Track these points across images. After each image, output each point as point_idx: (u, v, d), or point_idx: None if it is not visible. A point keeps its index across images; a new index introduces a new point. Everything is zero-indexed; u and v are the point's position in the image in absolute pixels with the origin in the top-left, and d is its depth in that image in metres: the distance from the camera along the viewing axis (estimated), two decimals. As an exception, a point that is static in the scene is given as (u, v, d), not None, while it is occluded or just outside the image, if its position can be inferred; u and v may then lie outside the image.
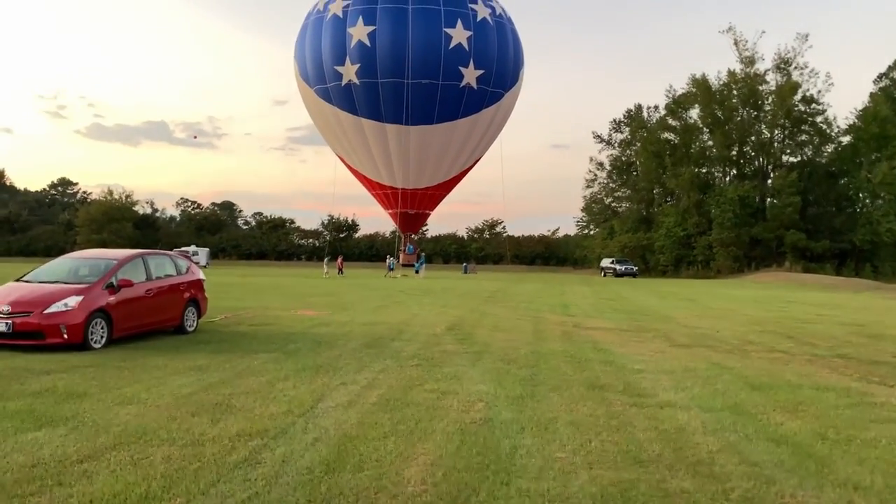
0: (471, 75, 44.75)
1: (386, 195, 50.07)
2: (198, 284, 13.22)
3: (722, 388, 8.28)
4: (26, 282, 11.23)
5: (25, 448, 5.16)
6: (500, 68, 46.29)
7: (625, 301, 25.14)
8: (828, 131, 65.54)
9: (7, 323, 9.89)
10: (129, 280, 11.19)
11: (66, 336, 9.92)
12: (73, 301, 10.16)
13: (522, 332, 13.96)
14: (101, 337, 10.41)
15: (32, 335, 9.93)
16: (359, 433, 5.80)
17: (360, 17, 44.00)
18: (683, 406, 7.15)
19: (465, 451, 5.35)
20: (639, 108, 78.39)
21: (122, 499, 4.19)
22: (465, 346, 11.70)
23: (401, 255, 52.63)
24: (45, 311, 9.98)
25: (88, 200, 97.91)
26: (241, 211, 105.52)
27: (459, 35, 44.28)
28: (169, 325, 12.22)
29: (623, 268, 59.52)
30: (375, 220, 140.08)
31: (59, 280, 11.06)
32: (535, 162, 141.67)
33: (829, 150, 66.67)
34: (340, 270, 49.88)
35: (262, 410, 6.56)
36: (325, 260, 51.50)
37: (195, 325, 12.86)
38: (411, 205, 50.24)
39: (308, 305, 19.65)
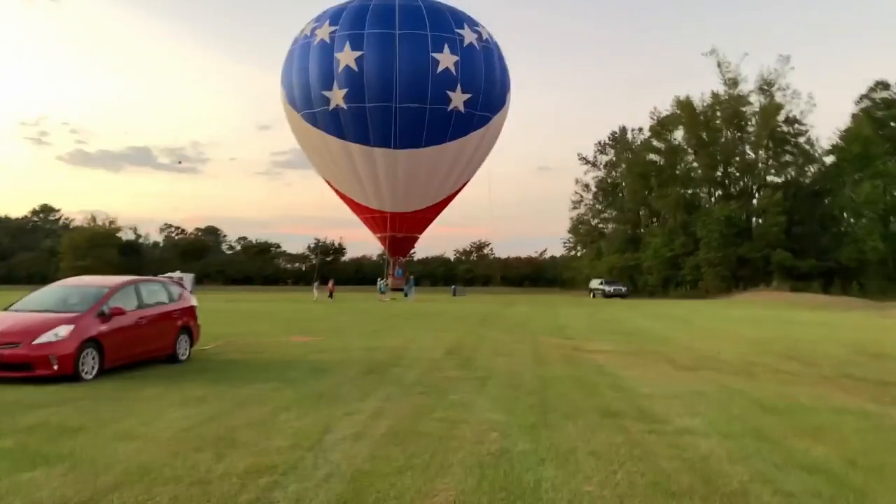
0: (458, 99, 44.84)
1: (374, 219, 49.83)
2: (190, 311, 12.88)
3: (737, 412, 8.08)
4: (15, 311, 10.85)
5: (22, 490, 4.84)
6: (488, 92, 46.44)
7: (619, 322, 24.98)
8: (811, 151, 66.22)
9: (-5, 355, 9.53)
10: (120, 308, 10.85)
11: (56, 367, 9.55)
12: (63, 331, 9.81)
13: (523, 356, 13.72)
14: (93, 367, 10.05)
15: (21, 367, 9.55)
16: (372, 468, 5.53)
17: (347, 43, 44.05)
18: (702, 433, 6.93)
19: (486, 485, 5.09)
20: (623, 130, 79.04)
21: (130, 547, 3.90)
22: (468, 371, 11.44)
23: (390, 279, 52.24)
24: (35, 342, 9.62)
25: (71, 227, 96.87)
26: (225, 236, 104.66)
27: (446, 59, 44.43)
28: (161, 353, 11.85)
29: (612, 289, 59.48)
30: (362, 244, 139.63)
31: (49, 309, 10.69)
32: (521, 184, 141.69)
33: (813, 170, 67.32)
34: (331, 294, 49.40)
35: (267, 444, 6.26)
36: (315, 284, 51.01)
37: (188, 353, 12.51)
38: (400, 228, 49.99)
39: (301, 331, 19.31)
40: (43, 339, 9.65)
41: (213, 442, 6.31)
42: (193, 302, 13.18)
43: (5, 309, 11.08)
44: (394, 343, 16.07)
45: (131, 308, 11.19)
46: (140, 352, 11.24)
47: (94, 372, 10.05)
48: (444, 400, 8.70)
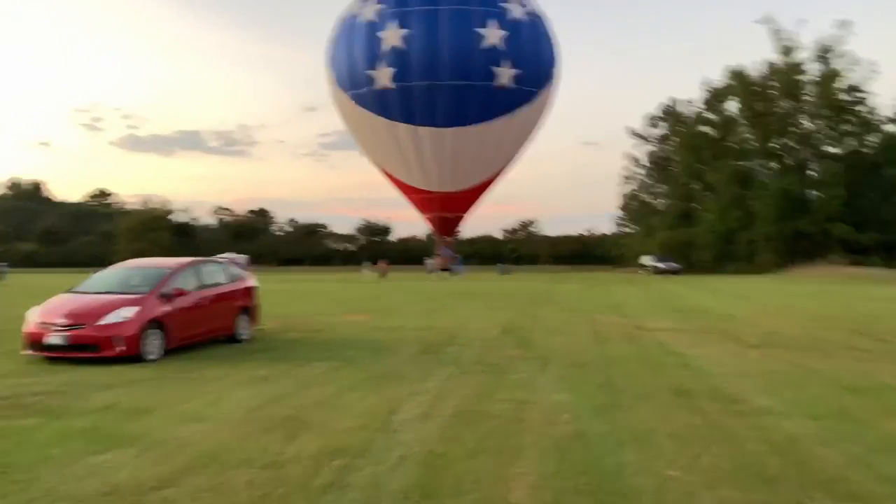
0: (505, 75, 44.16)
1: (422, 200, 49.69)
2: (250, 292, 12.93)
3: (817, 392, 7.72)
4: (79, 293, 11.01)
5: (98, 472, 4.83)
6: (535, 67, 45.62)
7: (677, 299, 24.42)
8: (872, 120, 63.63)
9: (63, 336, 9.68)
10: (182, 289, 10.93)
11: (121, 348, 9.66)
12: (128, 312, 9.91)
13: (581, 335, 13.44)
14: (157, 348, 10.15)
15: (87, 347, 9.69)
16: (445, 450, 5.38)
17: (394, 21, 43.72)
18: (784, 413, 6.61)
19: (566, 470, 4.90)
20: (674, 102, 77.15)
21: (210, 532, 3.82)
22: (526, 350, 11.24)
23: (438, 259, 52.16)
24: (100, 323, 9.74)
25: (126, 211, 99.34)
26: (274, 218, 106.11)
27: (493, 35, 43.75)
28: (222, 334, 11.92)
29: (665, 265, 58.38)
30: (409, 223, 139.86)
31: (112, 290, 10.80)
32: (566, 160, 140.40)
33: (874, 140, 64.70)
34: (384, 274, 49.59)
35: (336, 425, 6.18)
36: (367, 264, 51.32)
37: (248, 333, 12.57)
38: (447, 208, 49.76)
39: (355, 310, 19.34)
40: (108, 320, 9.76)
41: (281, 423, 6.25)
42: (252, 282, 13.22)
43: (69, 291, 11.24)
44: (447, 322, 15.94)
45: (192, 289, 11.26)
46: (202, 332, 11.31)
47: (159, 353, 10.14)
48: (506, 379, 8.53)
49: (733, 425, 6.17)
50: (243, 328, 12.41)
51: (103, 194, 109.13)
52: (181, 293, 10.87)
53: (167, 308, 10.49)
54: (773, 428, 6.05)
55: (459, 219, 52.75)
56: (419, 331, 14.11)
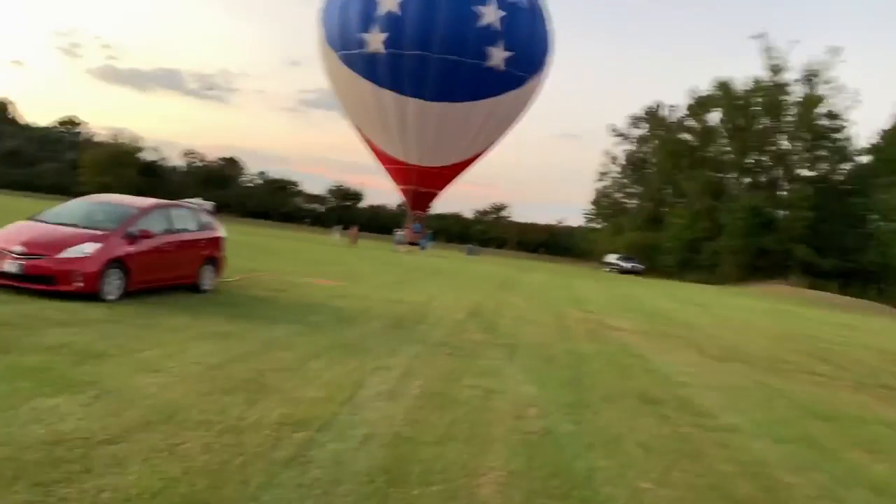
0: (498, 56, 43.73)
1: (398, 170, 49.20)
2: (217, 242, 12.54)
3: (782, 413, 7.71)
4: (40, 221, 10.52)
5: (45, 418, 4.54)
6: (529, 52, 45.23)
7: (637, 301, 24.55)
8: (847, 148, 64.70)
9: (19, 264, 9.23)
10: (149, 231, 10.52)
11: (80, 284, 9.26)
12: (90, 248, 9.49)
13: (546, 326, 13.36)
14: (117, 289, 9.77)
15: (44, 280, 9.26)
16: (413, 434, 5.21)
17: (392, -17, 42.90)
18: (751, 433, 6.57)
19: (536, 469, 4.75)
20: (658, 105, 77.48)
21: (163, 499, 3.58)
22: (493, 336, 11.11)
23: (407, 232, 51.84)
24: (60, 256, 9.31)
25: (95, 142, 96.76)
26: (244, 168, 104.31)
27: (491, 14, 43.22)
28: (185, 281, 11.54)
29: (629, 265, 58.91)
30: (380, 191, 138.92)
31: (76, 224, 10.33)
32: (544, 149, 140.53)
33: (847, 168, 65.83)
34: (354, 240, 49.09)
35: (300, 393, 5.95)
36: (338, 228, 50.78)
37: (212, 285, 12.21)
38: (423, 183, 49.35)
39: (323, 274, 19.01)
40: (69, 253, 9.34)
41: (242, 384, 6.00)
42: (221, 232, 12.84)
43: (30, 218, 10.74)
44: (415, 298, 15.74)
45: (159, 232, 10.85)
46: (164, 277, 10.93)
47: (118, 294, 9.76)
48: (474, 365, 8.38)
49: (702, 441, 6.09)
50: (207, 279, 12.05)
51: (73, 122, 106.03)
52: (147, 235, 10.45)
53: (131, 249, 10.06)
54: (742, 448, 5.99)
55: (433, 195, 52.42)
56: (387, 303, 13.89)
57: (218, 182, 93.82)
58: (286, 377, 6.48)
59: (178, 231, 11.45)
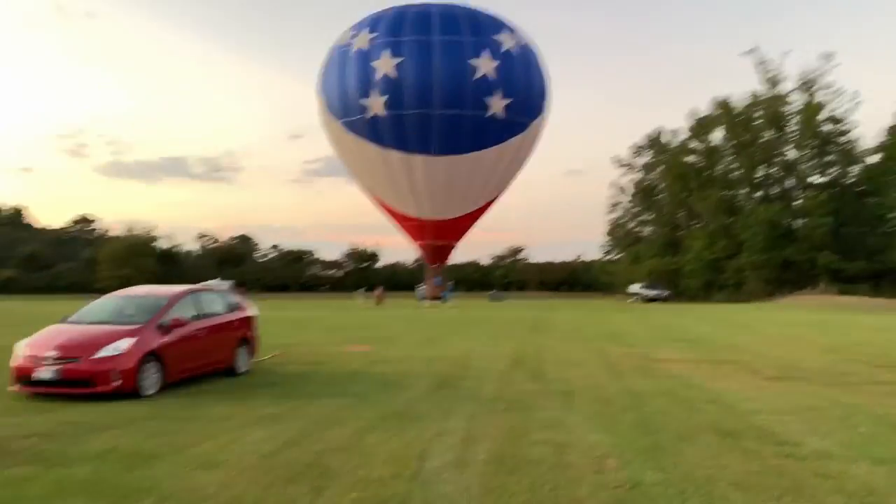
0: (497, 105, 44.13)
1: (413, 227, 49.27)
2: (249, 322, 12.33)
3: (868, 432, 7.25)
4: (71, 323, 10.35)
5: (108, 535, 4.24)
6: (526, 98, 45.68)
7: (674, 329, 24.00)
8: (855, 150, 64.24)
9: (55, 370, 9.03)
10: (180, 319, 10.31)
11: (118, 383, 9.03)
12: (124, 344, 9.29)
13: (594, 367, 12.94)
14: (155, 383, 9.52)
15: (82, 383, 9.04)
16: (496, 504, 4.84)
17: (386, 50, 43.62)
18: (846, 457, 6.13)
19: (636, 527, 4.38)
20: (658, 132, 77.55)
21: None
22: (543, 384, 10.73)
23: (428, 286, 51.58)
24: (96, 356, 9.10)
25: (109, 237, 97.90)
26: (258, 244, 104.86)
27: (486, 65, 43.79)
28: (221, 366, 11.29)
29: (654, 293, 58.15)
30: (394, 249, 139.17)
31: (106, 321, 10.17)
32: (551, 188, 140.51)
33: (857, 169, 65.25)
34: (380, 301, 49.00)
35: (365, 473, 5.61)
36: (362, 291, 50.77)
37: (248, 366, 11.94)
38: (439, 236, 49.34)
39: (355, 340, 18.72)
40: (104, 352, 9.13)
41: (304, 470, 5.67)
42: (252, 311, 12.62)
43: (61, 321, 10.57)
44: (452, 353, 15.39)
45: (190, 318, 10.65)
46: (201, 365, 10.69)
47: (156, 388, 9.51)
48: (534, 418, 8.00)
49: (798, 472, 5.67)
50: (243, 361, 11.79)
51: (86, 220, 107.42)
52: (179, 324, 10.25)
53: (165, 339, 9.87)
54: (843, 475, 5.56)
55: (451, 247, 52.35)
56: (427, 362, 13.55)
57: (234, 261, 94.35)
58: (346, 457, 6.15)
59: (209, 315, 11.25)
